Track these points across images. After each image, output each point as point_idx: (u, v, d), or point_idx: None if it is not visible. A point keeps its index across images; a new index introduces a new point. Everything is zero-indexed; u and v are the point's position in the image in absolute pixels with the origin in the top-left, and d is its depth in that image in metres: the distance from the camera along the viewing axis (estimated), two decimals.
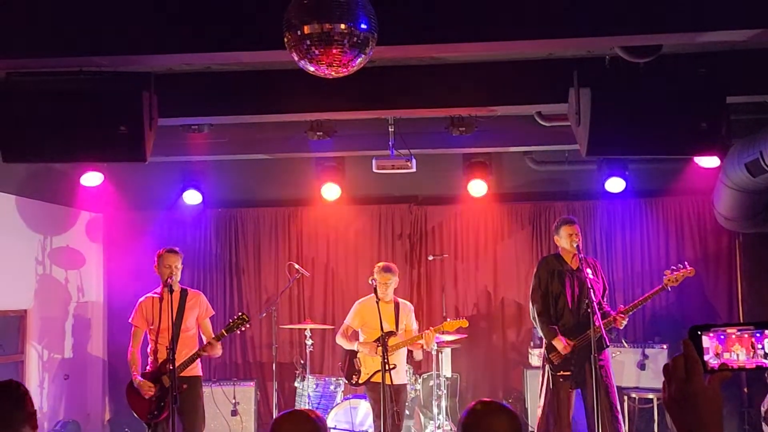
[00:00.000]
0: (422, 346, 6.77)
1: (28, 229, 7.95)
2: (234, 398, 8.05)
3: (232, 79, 5.83)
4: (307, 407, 7.36)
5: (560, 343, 6.21)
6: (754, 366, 1.54)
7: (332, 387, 7.59)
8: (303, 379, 7.57)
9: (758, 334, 1.54)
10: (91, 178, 7.43)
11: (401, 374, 6.73)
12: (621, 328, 6.24)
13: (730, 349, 1.55)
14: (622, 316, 6.11)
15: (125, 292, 8.86)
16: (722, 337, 1.55)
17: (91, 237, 9.12)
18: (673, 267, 6.26)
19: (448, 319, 7.04)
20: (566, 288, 6.36)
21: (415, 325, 6.93)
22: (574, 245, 6.25)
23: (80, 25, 4.46)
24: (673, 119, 4.91)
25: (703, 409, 1.47)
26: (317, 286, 9.11)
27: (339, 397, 7.53)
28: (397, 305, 6.85)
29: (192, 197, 8.46)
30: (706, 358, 1.55)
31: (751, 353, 1.54)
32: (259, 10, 4.34)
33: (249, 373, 9.02)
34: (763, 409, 6.99)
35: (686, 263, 6.27)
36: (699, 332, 1.57)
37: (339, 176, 8.30)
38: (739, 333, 1.55)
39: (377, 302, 6.24)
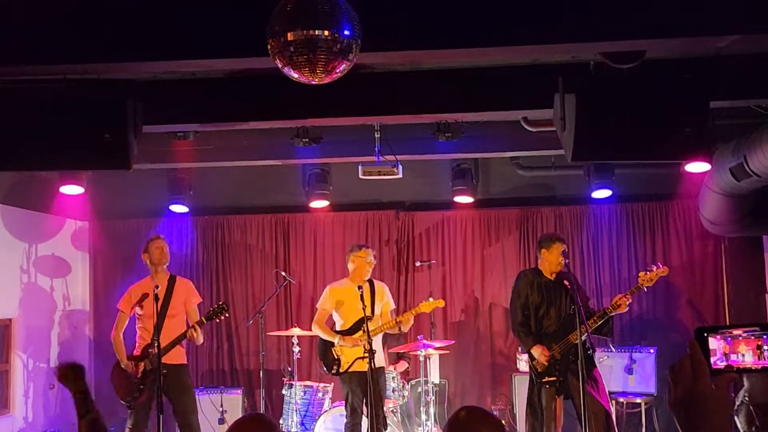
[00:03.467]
0: (400, 329, 6.82)
1: (12, 237, 7.90)
2: (221, 406, 8.01)
3: (217, 86, 5.80)
4: (295, 415, 7.34)
5: (537, 350, 6.25)
6: (760, 367, 1.55)
7: (320, 394, 7.56)
8: (291, 387, 7.54)
9: (765, 336, 1.55)
10: (71, 189, 7.34)
11: (380, 358, 6.70)
12: (626, 310, 6.18)
13: (736, 350, 1.55)
14: (626, 298, 6.07)
15: (112, 300, 8.82)
16: (729, 338, 1.55)
17: (77, 245, 9.07)
18: (647, 268, 6.29)
19: (430, 299, 6.96)
20: (545, 297, 6.39)
21: (392, 305, 6.95)
22: (562, 264, 6.29)
23: (63, 32, 4.43)
24: (658, 124, 4.92)
25: (711, 410, 1.46)
26: (304, 293, 9.10)
27: (327, 404, 7.51)
28: (372, 286, 6.84)
29: (178, 208, 8.44)
30: (713, 359, 1.54)
31: (758, 354, 1.54)
32: (243, 17, 4.33)
33: (236, 381, 8.99)
34: (737, 402, 7.01)
35: (659, 263, 6.29)
36: (705, 334, 1.56)
37: (325, 183, 8.29)
38: (745, 334, 1.55)
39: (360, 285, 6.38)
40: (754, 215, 7.35)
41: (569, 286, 6.04)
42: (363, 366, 6.37)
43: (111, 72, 4.92)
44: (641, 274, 6.23)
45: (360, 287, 6.33)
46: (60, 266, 8.77)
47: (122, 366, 6.43)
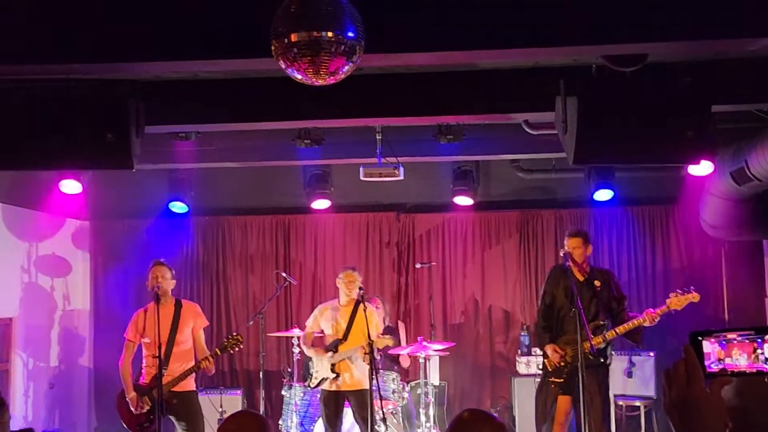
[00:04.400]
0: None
1: (13, 236, 7.90)
2: (221, 407, 7.99)
3: (219, 86, 5.81)
4: (294, 416, 7.34)
5: (550, 349, 6.30)
6: (755, 370, 1.55)
7: (320, 395, 7.54)
8: (290, 387, 7.54)
9: (759, 340, 1.55)
10: (69, 186, 7.27)
11: (354, 379, 6.68)
12: (653, 324, 6.16)
13: (731, 354, 1.55)
14: (653, 315, 6.08)
15: (112, 300, 8.84)
16: (723, 342, 1.56)
17: (78, 245, 9.07)
18: (678, 290, 6.19)
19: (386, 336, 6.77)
20: (569, 299, 6.39)
21: (375, 330, 6.55)
22: (580, 259, 6.32)
23: (66, 32, 4.44)
24: (659, 128, 4.92)
25: (705, 414, 1.47)
26: (305, 294, 9.10)
27: None
28: (356, 308, 6.69)
29: (178, 207, 8.42)
30: (707, 363, 1.55)
31: (753, 358, 1.55)
32: (245, 17, 4.33)
33: (236, 382, 8.99)
34: None
35: (692, 288, 6.18)
36: (699, 338, 1.57)
37: (326, 184, 8.30)
38: (740, 338, 1.56)
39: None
40: (755, 219, 7.35)
41: (599, 287, 6.09)
42: (331, 386, 6.68)
43: (113, 72, 4.92)
44: (672, 295, 6.16)
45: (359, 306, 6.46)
46: (60, 266, 8.77)
47: (128, 399, 6.25)
